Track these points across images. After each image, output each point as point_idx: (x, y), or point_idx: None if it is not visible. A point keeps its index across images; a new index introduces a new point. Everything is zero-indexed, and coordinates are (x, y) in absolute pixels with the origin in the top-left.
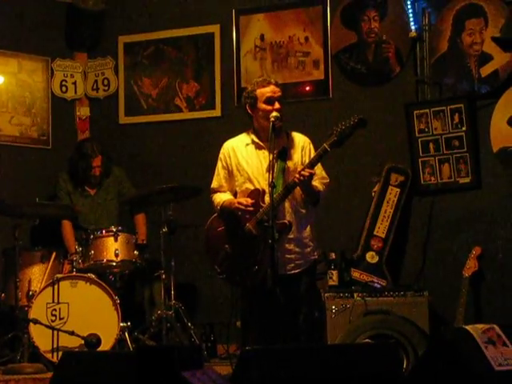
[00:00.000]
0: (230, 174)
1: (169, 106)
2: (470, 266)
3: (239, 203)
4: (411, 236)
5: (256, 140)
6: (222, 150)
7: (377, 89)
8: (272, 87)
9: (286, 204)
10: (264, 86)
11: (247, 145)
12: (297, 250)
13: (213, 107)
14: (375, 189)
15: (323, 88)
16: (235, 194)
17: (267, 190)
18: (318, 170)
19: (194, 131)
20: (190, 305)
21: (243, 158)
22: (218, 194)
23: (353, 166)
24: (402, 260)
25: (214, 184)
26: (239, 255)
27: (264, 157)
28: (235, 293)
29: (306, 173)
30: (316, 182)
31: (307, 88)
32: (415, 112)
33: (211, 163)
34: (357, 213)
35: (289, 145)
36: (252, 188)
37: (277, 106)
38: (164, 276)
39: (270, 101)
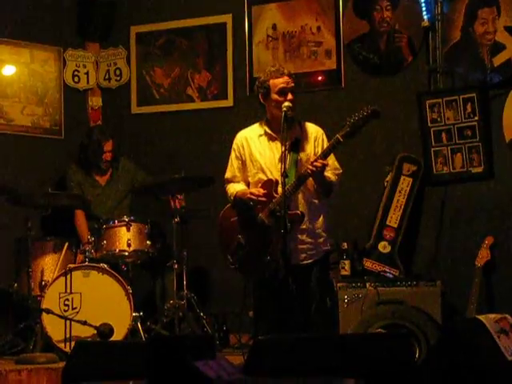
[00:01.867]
0: (243, 165)
1: (181, 95)
2: (483, 256)
3: (252, 193)
4: (423, 226)
5: (268, 131)
6: (235, 141)
7: (389, 78)
8: (285, 78)
9: (299, 195)
10: (277, 77)
11: (260, 136)
12: (309, 240)
13: (225, 97)
14: (388, 178)
15: (335, 78)
16: (248, 185)
17: (280, 181)
18: (331, 160)
19: (206, 121)
20: (203, 295)
21: (256, 148)
22: (232, 184)
23: (365, 156)
24: (415, 250)
25: (228, 174)
26: (252, 245)
27: (276, 147)
28: (248, 283)
29: (318, 163)
30: (329, 173)
31: (319, 78)
32: (428, 101)
33: (223, 153)
34: (369, 202)
35: (302, 135)
36: (265, 179)
37: (290, 96)
38: (176, 266)
39: (282, 92)
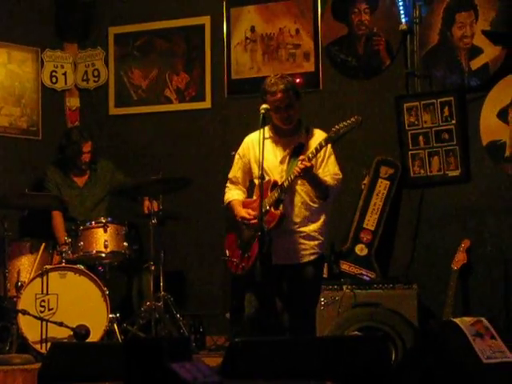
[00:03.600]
0: (245, 166)
1: (159, 97)
2: (459, 259)
3: (242, 218)
4: (400, 229)
5: (272, 135)
6: (243, 143)
7: (367, 81)
8: (278, 96)
9: (296, 198)
10: (272, 95)
11: (266, 138)
12: (301, 241)
13: (203, 99)
14: (365, 181)
15: (313, 80)
16: (251, 188)
17: (279, 182)
18: (331, 166)
19: (183, 123)
20: (179, 296)
21: (261, 151)
22: (231, 187)
23: (342, 159)
24: (391, 253)
25: (231, 174)
26: (241, 242)
27: (279, 151)
28: (226, 284)
29: (302, 165)
30: (327, 177)
31: (297, 80)
32: (405, 105)
33: (201, 155)
34: (346, 205)
35: (307, 141)
36: (267, 179)
37: (283, 115)
38: (153, 267)
39: (276, 110)
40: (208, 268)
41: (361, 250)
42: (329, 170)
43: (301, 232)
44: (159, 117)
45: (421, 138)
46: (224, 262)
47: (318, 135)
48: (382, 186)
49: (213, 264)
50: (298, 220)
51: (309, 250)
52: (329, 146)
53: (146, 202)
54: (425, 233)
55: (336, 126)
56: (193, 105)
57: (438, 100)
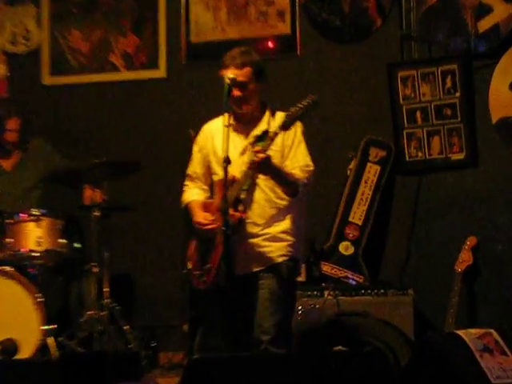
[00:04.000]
0: (205, 160)
1: (103, 63)
2: (464, 260)
3: (198, 223)
4: (393, 223)
5: (232, 122)
6: (199, 132)
7: (353, 46)
8: (231, 71)
9: (259, 195)
10: (225, 68)
11: (227, 126)
12: (265, 244)
13: (156, 66)
14: (351, 166)
15: (290, 44)
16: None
17: (240, 177)
18: (301, 156)
19: (133, 95)
20: (127, 304)
21: (220, 142)
22: (190, 185)
23: (323, 139)
24: (383, 251)
25: (189, 169)
26: (201, 251)
27: (240, 140)
28: (184, 290)
29: (256, 158)
30: (296, 170)
31: (270, 44)
32: (399, 74)
33: (153, 134)
34: (328, 195)
35: (272, 128)
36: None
37: (236, 93)
38: (96, 269)
39: (230, 86)
40: (162, 270)
41: (346, 248)
42: (298, 160)
43: (265, 234)
44: (103, 87)
45: (418, 113)
46: (186, 276)
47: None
48: (372, 171)
49: (168, 266)
50: (261, 221)
51: (275, 252)
52: (298, 131)
53: (88, 191)
54: (422, 228)
55: (291, 109)
56: (144, 73)
57: (439, 68)
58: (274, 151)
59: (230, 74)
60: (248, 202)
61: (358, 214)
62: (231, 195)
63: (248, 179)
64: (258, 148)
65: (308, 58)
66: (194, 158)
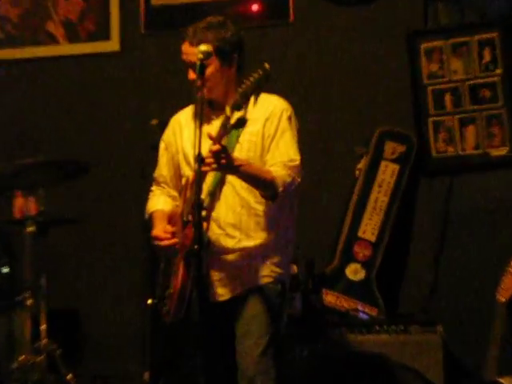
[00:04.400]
0: (174, 159)
1: (37, 34)
2: (508, 287)
3: (156, 237)
4: (417, 238)
5: (205, 109)
6: (168, 124)
7: (361, 10)
8: (184, 47)
9: (232, 199)
10: (183, 40)
11: (199, 115)
12: (243, 263)
13: (107, 37)
14: (360, 165)
15: (279, 8)
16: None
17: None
18: (284, 148)
19: (77, 74)
20: (72, 347)
21: (188, 136)
22: (156, 191)
23: (324, 131)
24: (403, 276)
25: (156, 171)
26: (165, 272)
27: (212, 132)
28: (143, 329)
29: (210, 153)
30: (276, 166)
31: (254, 7)
32: (423, 45)
33: (105, 125)
34: (331, 203)
35: (251, 113)
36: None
37: (191, 76)
38: (30, 301)
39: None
40: (116, 303)
41: (355, 272)
42: (280, 154)
43: (242, 249)
44: (38, 64)
45: (448, 96)
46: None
47: (268, 105)
48: (388, 172)
49: (125, 296)
50: (236, 232)
51: (256, 272)
52: (284, 117)
53: (19, 200)
54: (455, 246)
55: (241, 85)
56: (91, 46)
57: (475, 38)
58: (249, 142)
59: (202, 47)
60: (219, 208)
61: (370, 228)
62: (192, 199)
63: (215, 179)
64: (213, 137)
65: (302, 25)
66: (160, 157)
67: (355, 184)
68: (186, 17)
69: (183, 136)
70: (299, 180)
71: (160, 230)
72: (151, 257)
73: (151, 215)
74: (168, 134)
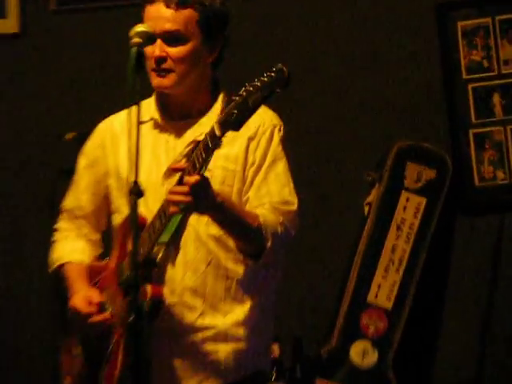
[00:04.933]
0: (99, 184)
1: None
2: None
3: (76, 312)
4: (453, 303)
5: (157, 116)
6: (93, 134)
7: None
8: (154, 10)
9: (195, 253)
10: (150, 3)
11: (145, 122)
12: (208, 349)
13: (2, 15)
14: (370, 198)
15: None
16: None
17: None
18: (276, 184)
19: None
20: None
21: (127, 151)
22: (64, 231)
23: (318, 148)
24: (432, 359)
25: (66, 202)
26: (86, 358)
27: (170, 147)
28: None
29: (179, 188)
30: (265, 209)
31: None
32: (460, 24)
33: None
34: (329, 255)
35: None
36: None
37: (156, 51)
38: None
39: (151, 38)
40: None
41: (363, 353)
42: (269, 192)
43: (207, 328)
44: None
45: (496, 98)
46: None
47: (254, 117)
48: (411, 207)
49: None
50: (197, 302)
51: (226, 360)
52: (275, 139)
53: None
54: (507, 312)
55: (242, 92)
56: None
57: None
58: (224, 170)
59: (139, 26)
60: (173, 266)
61: (384, 290)
62: (141, 252)
63: (173, 222)
64: (183, 165)
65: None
66: (77, 179)
67: (363, 226)
68: None
69: (119, 152)
70: (294, 232)
71: (82, 300)
72: (56, 331)
73: (62, 270)
74: (92, 147)
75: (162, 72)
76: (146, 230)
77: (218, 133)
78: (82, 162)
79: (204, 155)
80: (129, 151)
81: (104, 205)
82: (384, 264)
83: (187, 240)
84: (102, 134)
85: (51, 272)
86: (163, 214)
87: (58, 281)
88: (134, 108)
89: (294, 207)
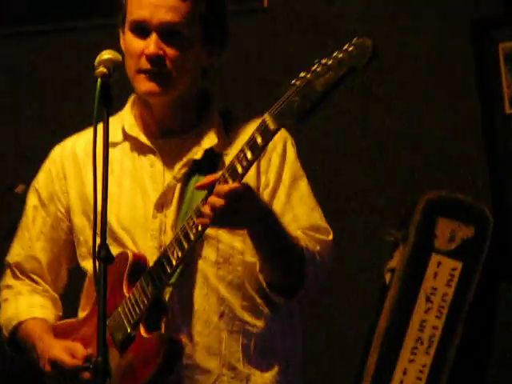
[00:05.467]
0: (58, 226)
1: None
2: None
3: (54, 362)
4: None
5: (131, 131)
6: (48, 160)
7: None
8: None
9: (202, 298)
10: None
11: (115, 145)
12: None
13: None
14: (393, 263)
15: None
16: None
17: (151, 259)
18: (300, 206)
19: None
20: None
21: (98, 180)
22: (15, 288)
23: (335, 201)
24: None
25: (13, 253)
26: None
27: (157, 171)
28: None
29: (216, 200)
30: (299, 232)
31: None
32: (502, 45)
33: None
34: (342, 332)
35: (226, 145)
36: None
37: (151, 48)
38: None
39: (138, 28)
40: None
41: None
42: (296, 217)
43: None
44: None
45: None
46: None
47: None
48: (443, 274)
49: None
50: (212, 363)
51: None
52: (290, 151)
53: None
54: None
55: (310, 69)
56: None
57: None
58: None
59: (141, 11)
60: (182, 316)
61: (411, 377)
62: (140, 298)
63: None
64: (211, 177)
65: (282, 11)
66: (26, 224)
67: (384, 297)
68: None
69: (86, 182)
70: (330, 267)
71: (62, 350)
72: None
73: (20, 329)
74: (47, 180)
75: (157, 75)
76: (149, 272)
77: (271, 126)
78: (33, 200)
79: (251, 156)
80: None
81: (65, 252)
82: (410, 344)
83: (196, 284)
84: (60, 163)
85: (8, 335)
86: (173, 252)
87: (11, 345)
88: (116, 117)
89: (331, 236)
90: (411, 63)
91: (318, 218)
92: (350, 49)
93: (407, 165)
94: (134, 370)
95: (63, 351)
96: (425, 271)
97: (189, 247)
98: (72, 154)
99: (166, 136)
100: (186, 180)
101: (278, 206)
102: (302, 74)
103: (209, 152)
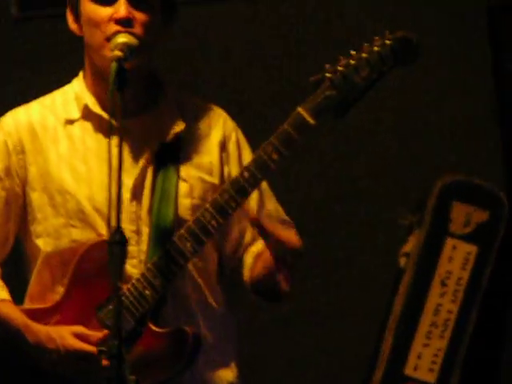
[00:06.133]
0: (14, 203)
1: None
2: None
3: (72, 350)
4: (510, 377)
5: (96, 109)
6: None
7: None
8: None
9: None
10: None
11: (71, 122)
12: None
13: None
14: (408, 248)
15: None
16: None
17: (131, 242)
18: (270, 202)
19: None
20: None
21: (61, 156)
22: None
23: (350, 186)
24: None
25: None
26: None
27: (125, 154)
28: None
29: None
30: (288, 231)
31: None
32: None
33: None
34: (357, 317)
35: (191, 130)
36: (85, 239)
37: (121, 11)
38: None
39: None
40: None
41: None
42: (269, 211)
43: None
44: None
45: None
46: None
47: (214, 115)
48: (458, 258)
49: None
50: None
51: None
52: (243, 145)
53: None
54: None
55: (343, 61)
56: None
57: None
58: (201, 182)
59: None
60: (172, 305)
61: (426, 360)
62: (132, 296)
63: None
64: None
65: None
66: None
67: (399, 281)
68: None
69: (48, 157)
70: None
71: (71, 337)
72: None
73: None
74: (2, 153)
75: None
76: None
77: (311, 121)
78: None
79: (285, 151)
80: (72, 156)
81: (15, 228)
82: (425, 328)
83: (190, 277)
84: (16, 135)
85: None
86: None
87: None
88: (66, 89)
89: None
90: (427, 49)
91: (282, 212)
92: (390, 43)
93: (422, 149)
94: (148, 364)
95: (75, 338)
96: (440, 255)
97: (207, 240)
98: (28, 128)
99: (128, 115)
100: (157, 163)
101: (252, 202)
102: (334, 68)
103: (176, 138)
